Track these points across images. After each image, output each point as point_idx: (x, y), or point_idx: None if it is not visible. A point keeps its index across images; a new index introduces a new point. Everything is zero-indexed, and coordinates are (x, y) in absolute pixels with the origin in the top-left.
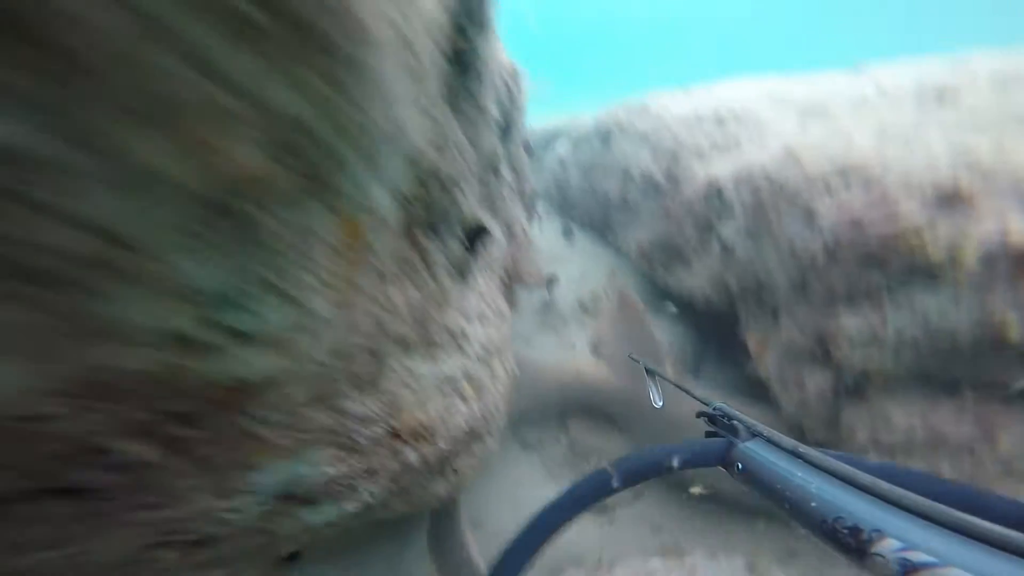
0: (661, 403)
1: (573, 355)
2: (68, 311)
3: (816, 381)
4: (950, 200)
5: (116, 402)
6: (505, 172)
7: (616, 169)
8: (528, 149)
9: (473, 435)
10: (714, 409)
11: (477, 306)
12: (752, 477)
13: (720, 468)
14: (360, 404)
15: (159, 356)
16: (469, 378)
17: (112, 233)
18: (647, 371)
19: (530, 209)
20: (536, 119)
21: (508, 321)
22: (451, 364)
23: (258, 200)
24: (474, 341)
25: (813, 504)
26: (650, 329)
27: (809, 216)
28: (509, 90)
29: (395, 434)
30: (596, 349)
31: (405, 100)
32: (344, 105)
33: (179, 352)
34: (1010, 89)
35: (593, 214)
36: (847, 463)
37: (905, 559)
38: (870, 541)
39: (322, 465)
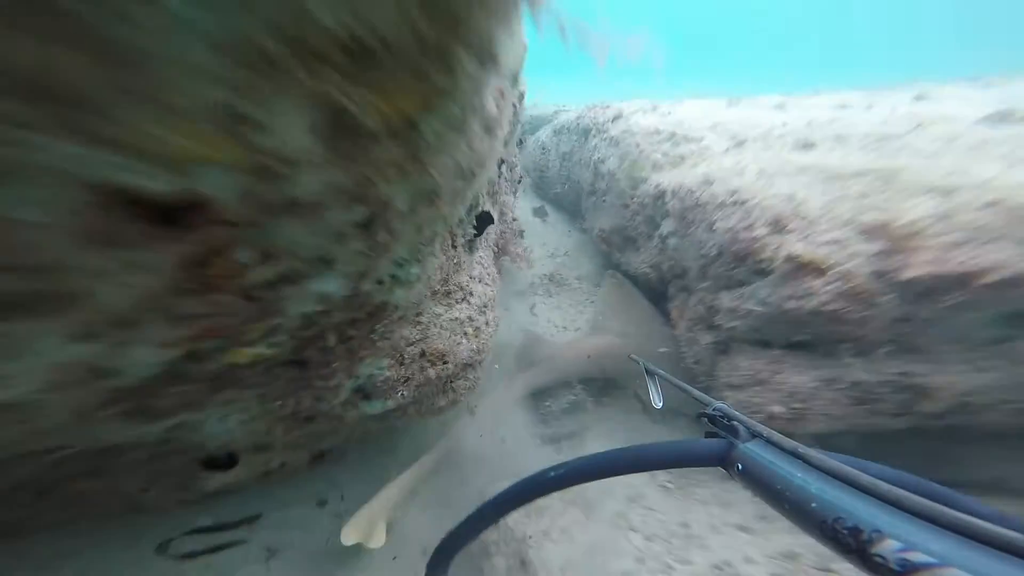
0: (661, 403)
1: (536, 321)
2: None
3: (705, 340)
4: (778, 225)
5: (342, 310)
6: (504, 168)
7: (590, 163)
8: (520, 143)
9: (469, 364)
10: (714, 409)
11: (479, 271)
12: (752, 478)
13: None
14: (409, 331)
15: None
16: (471, 322)
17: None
18: (647, 371)
19: (517, 195)
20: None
21: (498, 283)
22: (460, 311)
23: (435, 222)
24: (476, 296)
25: (813, 505)
26: (642, 299)
27: (710, 226)
28: (516, 108)
29: (423, 355)
30: (598, 324)
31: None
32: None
33: (376, 287)
34: (846, 145)
35: (567, 198)
36: (847, 464)
37: (905, 560)
38: (870, 542)
39: (384, 370)
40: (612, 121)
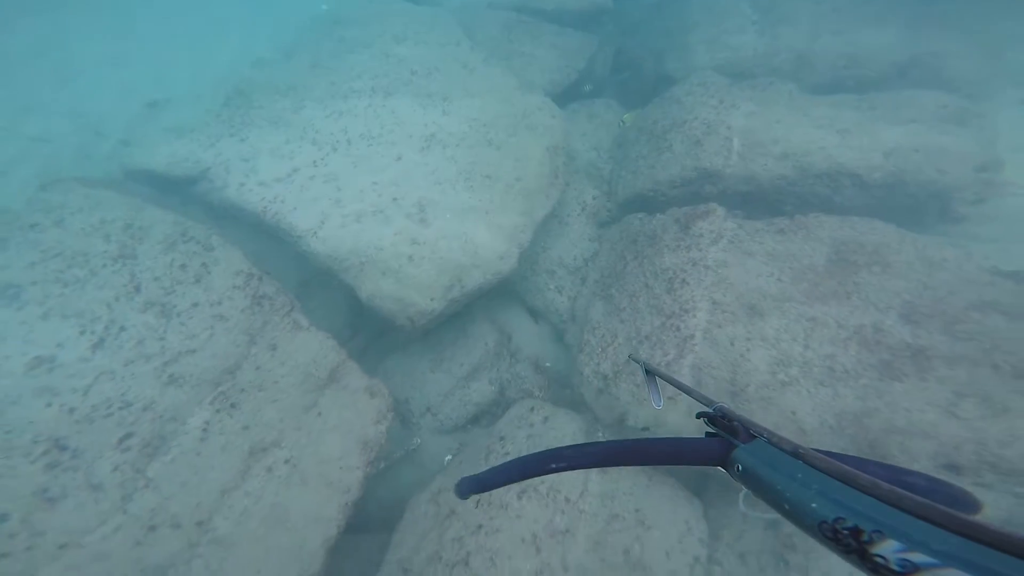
0: (661, 404)
1: None
2: None
3: None
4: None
5: None
6: None
7: None
8: None
9: None
10: (714, 410)
11: None
12: (752, 478)
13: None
14: None
15: None
16: None
17: None
18: (646, 371)
19: None
20: None
21: None
22: None
23: None
24: None
25: (813, 505)
26: None
27: None
28: None
29: None
30: None
31: None
32: None
33: None
34: None
35: None
36: (848, 463)
37: (906, 560)
38: (870, 542)
39: None
40: None
